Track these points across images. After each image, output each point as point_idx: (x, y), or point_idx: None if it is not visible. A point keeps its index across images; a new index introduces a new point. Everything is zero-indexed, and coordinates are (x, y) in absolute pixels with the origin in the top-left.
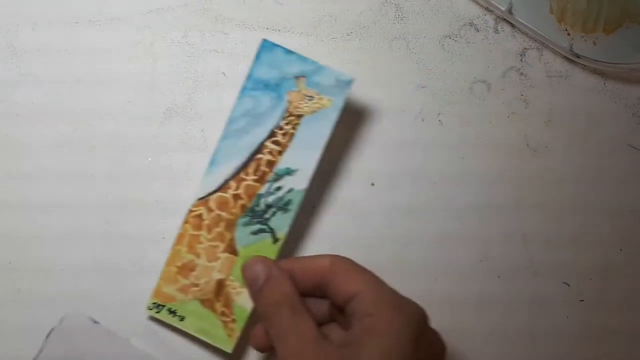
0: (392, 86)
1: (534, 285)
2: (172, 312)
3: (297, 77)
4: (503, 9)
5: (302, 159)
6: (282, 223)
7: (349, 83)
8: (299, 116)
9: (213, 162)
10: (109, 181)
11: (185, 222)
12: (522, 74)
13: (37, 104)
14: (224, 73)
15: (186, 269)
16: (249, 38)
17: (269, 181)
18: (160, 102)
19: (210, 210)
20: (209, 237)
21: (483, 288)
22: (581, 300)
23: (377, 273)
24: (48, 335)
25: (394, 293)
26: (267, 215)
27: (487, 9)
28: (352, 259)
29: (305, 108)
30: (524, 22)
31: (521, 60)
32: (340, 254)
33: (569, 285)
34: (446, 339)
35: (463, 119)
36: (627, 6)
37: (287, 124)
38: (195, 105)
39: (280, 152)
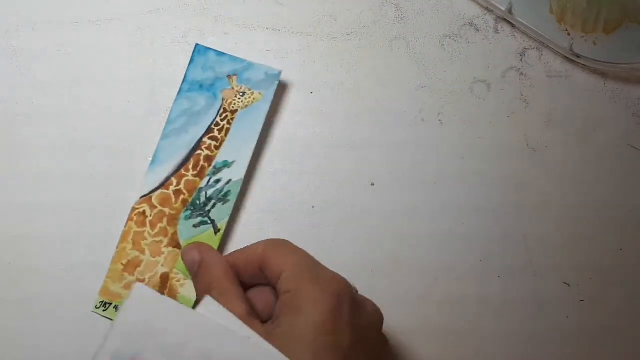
0: (392, 86)
1: (534, 285)
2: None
3: (229, 76)
4: (503, 9)
5: (238, 151)
6: (222, 214)
7: (277, 76)
8: (234, 112)
9: (154, 161)
10: (109, 181)
11: (130, 219)
12: (522, 74)
13: (37, 104)
14: None
15: (132, 265)
16: (249, 38)
17: (208, 175)
18: (161, 102)
19: (153, 207)
20: (153, 233)
21: (483, 288)
22: (581, 300)
23: (376, 272)
24: (118, 310)
25: (316, 270)
26: (207, 208)
27: (487, 9)
28: (287, 240)
29: (239, 103)
30: (524, 22)
31: (521, 60)
32: (336, 252)
33: (569, 285)
34: (446, 339)
35: (463, 119)
36: (627, 6)
37: (222, 119)
38: None
39: (217, 147)
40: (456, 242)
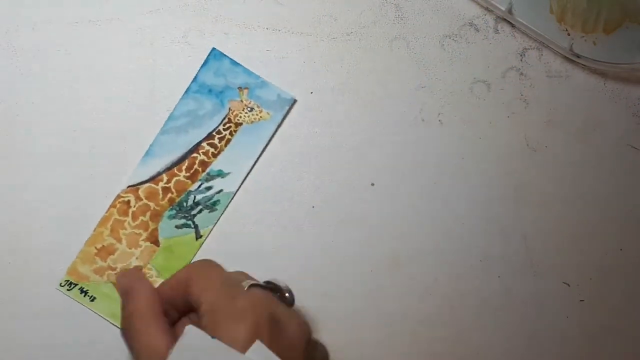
0: (392, 86)
1: (534, 285)
2: (84, 292)
3: (240, 88)
4: (503, 9)
5: (235, 164)
6: (207, 221)
7: (289, 101)
8: (238, 124)
9: (148, 153)
10: (109, 180)
11: (112, 206)
12: (522, 74)
13: (37, 104)
14: None
15: (105, 251)
16: (249, 38)
17: (200, 180)
18: (161, 102)
19: (138, 198)
20: (134, 224)
21: (483, 288)
22: (581, 300)
23: (376, 274)
24: (170, 352)
25: (232, 295)
26: (193, 212)
27: (487, 9)
28: (210, 262)
29: (245, 118)
30: (524, 22)
31: (521, 60)
32: (336, 252)
33: (569, 285)
34: (445, 338)
35: (463, 119)
36: (627, 6)
37: (225, 129)
38: None
39: (215, 155)
40: (456, 242)
